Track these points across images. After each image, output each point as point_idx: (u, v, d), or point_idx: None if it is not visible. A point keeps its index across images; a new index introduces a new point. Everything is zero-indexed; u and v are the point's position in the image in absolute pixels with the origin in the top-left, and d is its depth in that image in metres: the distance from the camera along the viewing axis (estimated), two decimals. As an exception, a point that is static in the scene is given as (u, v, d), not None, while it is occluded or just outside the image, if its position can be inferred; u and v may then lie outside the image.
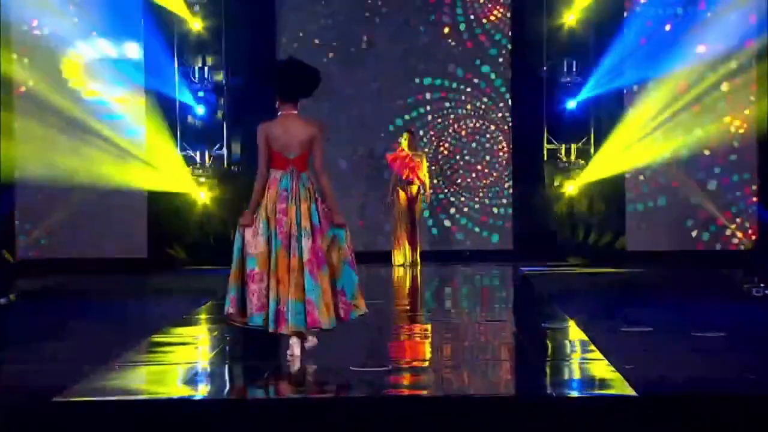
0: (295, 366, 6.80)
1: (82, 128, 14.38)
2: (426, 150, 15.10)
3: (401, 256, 13.99)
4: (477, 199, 15.71)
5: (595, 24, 14.96)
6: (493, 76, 15.66)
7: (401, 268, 13.78)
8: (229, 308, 6.92)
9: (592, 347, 7.21)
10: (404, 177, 13.88)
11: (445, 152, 15.64)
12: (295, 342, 6.95)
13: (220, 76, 15.12)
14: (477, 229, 15.72)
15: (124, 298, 11.38)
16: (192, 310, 9.59)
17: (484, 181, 15.70)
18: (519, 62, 15.48)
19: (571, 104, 15.09)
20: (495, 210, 15.70)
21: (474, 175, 15.71)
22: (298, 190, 6.92)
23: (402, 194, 13.96)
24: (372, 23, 15.65)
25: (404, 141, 13.96)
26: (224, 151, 15.16)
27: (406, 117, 15.58)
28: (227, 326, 8.38)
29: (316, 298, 6.84)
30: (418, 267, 13.88)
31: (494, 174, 15.70)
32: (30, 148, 13.99)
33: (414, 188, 13.94)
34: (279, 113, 7.02)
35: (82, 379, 6.15)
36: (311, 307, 6.82)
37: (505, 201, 15.67)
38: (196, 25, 15.05)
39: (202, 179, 15.06)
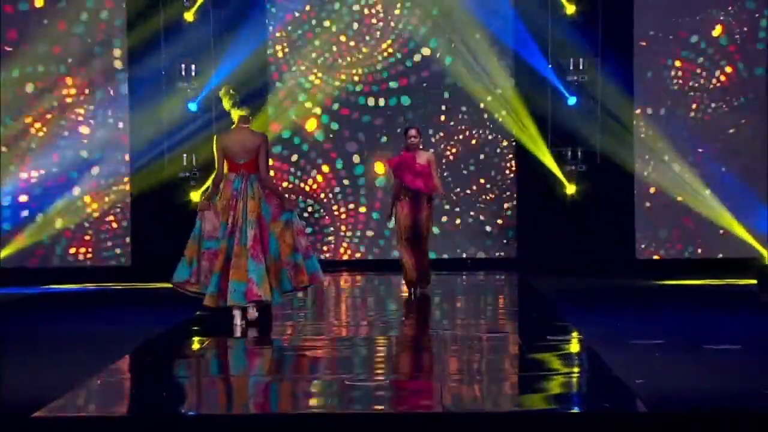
0: (237, 333, 8.71)
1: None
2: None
3: (410, 279, 11.75)
4: (479, 204, 15.70)
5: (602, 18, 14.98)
6: (494, 74, 15.66)
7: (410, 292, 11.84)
8: (181, 278, 9.01)
9: (600, 360, 7.20)
10: (411, 186, 11.60)
11: (446, 155, 15.62)
12: (237, 313, 8.96)
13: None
14: (479, 236, 15.71)
15: (107, 308, 11.37)
16: (178, 321, 9.56)
17: (487, 186, 15.68)
18: (522, 59, 15.45)
19: (572, 100, 15.09)
20: (498, 216, 15.68)
21: (476, 178, 15.69)
22: (246, 189, 8.99)
23: (406, 208, 11.64)
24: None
25: (409, 140, 11.68)
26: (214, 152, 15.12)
27: (407, 117, 15.60)
28: (215, 338, 8.39)
29: (257, 278, 8.86)
30: (426, 294, 11.91)
31: (497, 178, 15.68)
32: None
33: (423, 200, 11.64)
34: (233, 126, 9.15)
35: (63, 395, 6.13)
36: (252, 284, 8.84)
37: (508, 206, 15.65)
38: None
39: (192, 182, 15.04)
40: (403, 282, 11.97)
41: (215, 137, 9.15)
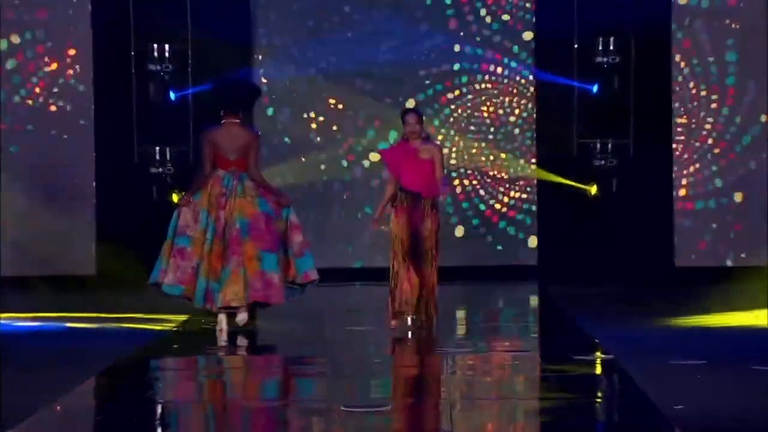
0: (223, 338, 9.45)
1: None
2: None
3: (402, 306, 10.19)
4: (494, 206, 15.68)
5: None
6: (514, 61, 15.67)
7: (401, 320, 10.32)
8: (159, 278, 9.62)
9: (632, 383, 7.19)
10: (408, 187, 10.25)
11: (457, 149, 15.61)
12: (222, 318, 9.69)
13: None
14: (495, 242, 15.70)
15: (67, 323, 11.35)
16: (150, 339, 9.56)
17: (503, 184, 15.67)
18: (544, 39, 15.43)
19: (595, 88, 15.10)
20: (516, 219, 15.68)
21: (491, 176, 15.69)
22: (236, 187, 9.66)
23: (402, 215, 10.22)
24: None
25: (408, 127, 10.26)
26: (190, 146, 15.13)
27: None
28: (195, 361, 8.38)
29: (271, 277, 9.66)
30: (432, 321, 10.30)
31: (515, 174, 15.68)
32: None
33: (425, 206, 10.25)
34: (222, 121, 9.80)
35: (15, 425, 6.11)
36: (262, 283, 9.61)
37: (528, 208, 15.64)
38: None
39: (168, 179, 15.07)
40: (388, 311, 10.27)
41: (204, 133, 9.87)
